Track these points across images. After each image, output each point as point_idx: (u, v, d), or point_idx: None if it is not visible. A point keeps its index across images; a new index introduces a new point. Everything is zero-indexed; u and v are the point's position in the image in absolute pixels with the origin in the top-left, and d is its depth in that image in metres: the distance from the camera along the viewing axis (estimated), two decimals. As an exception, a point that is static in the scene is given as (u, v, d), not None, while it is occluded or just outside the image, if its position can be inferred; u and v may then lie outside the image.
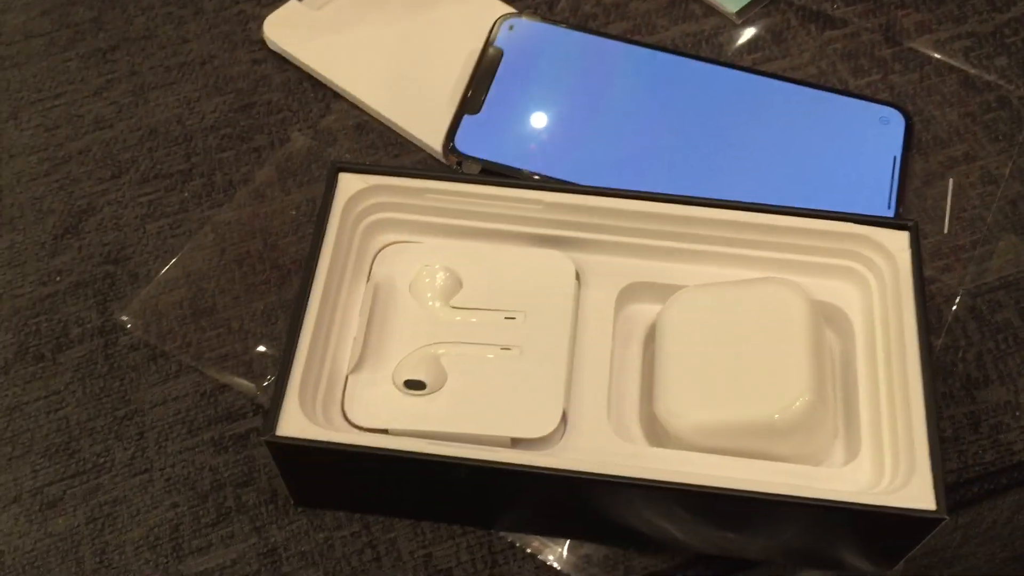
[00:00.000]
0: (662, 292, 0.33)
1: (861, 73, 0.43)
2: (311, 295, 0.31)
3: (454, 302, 0.33)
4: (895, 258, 0.32)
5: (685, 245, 0.34)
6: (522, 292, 0.33)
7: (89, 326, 0.37)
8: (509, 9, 0.44)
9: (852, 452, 0.31)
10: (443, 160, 0.39)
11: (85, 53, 0.44)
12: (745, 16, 0.45)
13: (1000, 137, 0.41)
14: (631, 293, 0.34)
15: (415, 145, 0.40)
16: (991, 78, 0.43)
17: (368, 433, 0.30)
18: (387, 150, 0.40)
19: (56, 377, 0.36)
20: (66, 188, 0.40)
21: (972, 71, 0.43)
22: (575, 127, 0.40)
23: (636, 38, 0.44)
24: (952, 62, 0.43)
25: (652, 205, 0.33)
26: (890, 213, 0.38)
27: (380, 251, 0.34)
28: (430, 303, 0.33)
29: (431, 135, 0.40)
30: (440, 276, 0.33)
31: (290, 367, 0.29)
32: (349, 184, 0.33)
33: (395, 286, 0.33)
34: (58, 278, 0.38)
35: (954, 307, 0.37)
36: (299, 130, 0.41)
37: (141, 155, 0.41)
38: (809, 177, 0.39)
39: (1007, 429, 0.35)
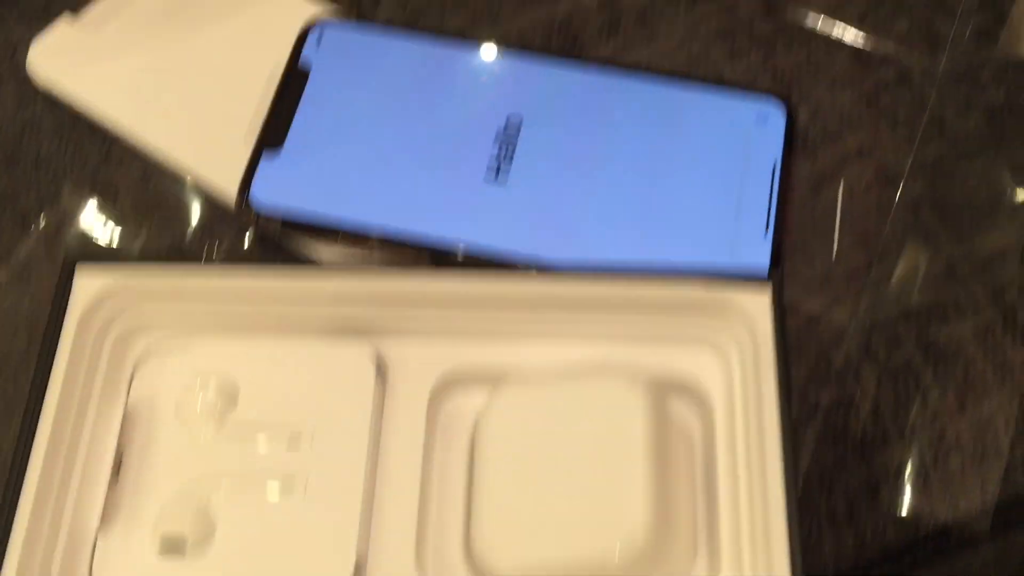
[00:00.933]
0: (488, 381, 0.28)
1: (739, 55, 0.37)
2: (38, 434, 0.25)
3: (227, 423, 0.27)
4: (754, 323, 0.26)
5: (510, 325, 0.28)
6: (311, 402, 0.27)
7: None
8: (319, 11, 0.37)
9: (714, 570, 0.26)
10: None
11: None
12: None
13: (899, 123, 0.35)
14: (450, 385, 0.28)
15: (212, 197, 0.34)
16: (888, 49, 0.36)
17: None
18: (175, 210, 0.34)
19: None
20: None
21: (865, 43, 0.36)
22: (401, 158, 0.33)
23: (475, 34, 0.37)
24: (842, 36, 0.37)
25: (469, 284, 0.27)
26: (767, 240, 0.32)
27: (140, 362, 0.28)
28: (198, 428, 0.27)
29: (229, 180, 0.34)
30: (210, 392, 0.27)
31: (7, 533, 0.24)
32: (90, 282, 0.27)
33: (158, 407, 0.27)
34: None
35: (844, 350, 0.31)
36: (71, 187, 0.34)
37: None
38: (671, 202, 0.33)
39: (911, 497, 0.30)
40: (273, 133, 0.33)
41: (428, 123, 0.34)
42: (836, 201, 0.34)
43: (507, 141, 0.33)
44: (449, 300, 0.27)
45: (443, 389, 0.28)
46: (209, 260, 0.29)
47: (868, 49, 0.36)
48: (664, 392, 0.27)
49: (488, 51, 0.35)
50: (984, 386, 0.31)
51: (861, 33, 0.37)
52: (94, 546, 0.26)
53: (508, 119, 0.34)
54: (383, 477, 0.26)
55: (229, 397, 0.27)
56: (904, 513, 0.29)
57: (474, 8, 0.38)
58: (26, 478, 0.25)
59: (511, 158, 0.33)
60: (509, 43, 0.36)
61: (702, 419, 0.28)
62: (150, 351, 0.28)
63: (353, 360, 0.27)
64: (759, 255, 0.32)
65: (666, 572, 0.25)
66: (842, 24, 0.37)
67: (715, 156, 0.33)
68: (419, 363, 0.28)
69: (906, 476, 0.30)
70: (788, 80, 0.36)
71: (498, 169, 0.33)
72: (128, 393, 0.27)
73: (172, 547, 0.25)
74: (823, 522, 0.29)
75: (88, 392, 0.27)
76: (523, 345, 0.28)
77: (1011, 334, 0.31)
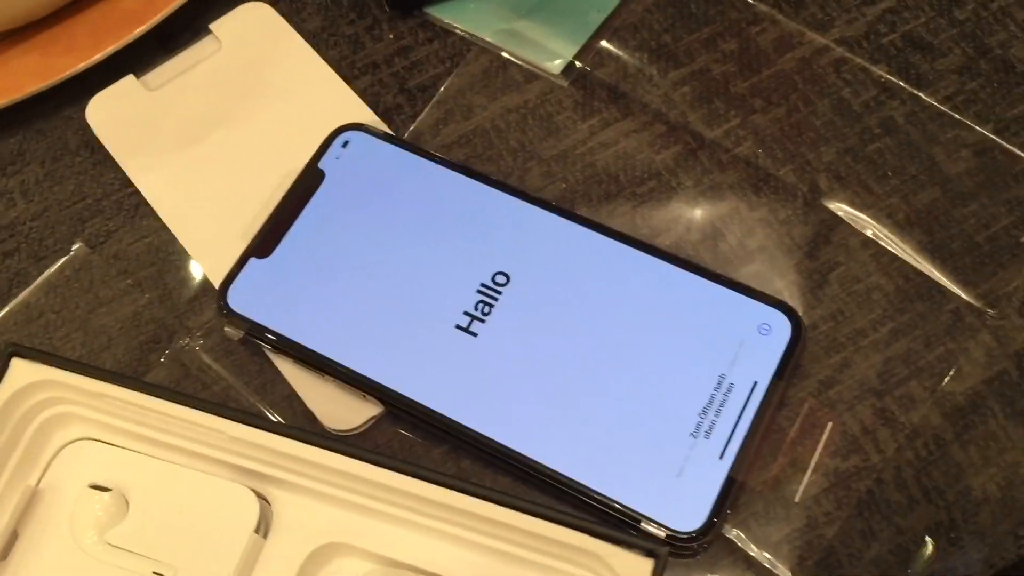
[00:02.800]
0: (369, 560, 0.27)
1: (716, 121, 0.35)
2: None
3: (111, 536, 0.28)
4: (628, 588, 0.24)
5: (398, 511, 0.27)
6: (189, 534, 0.27)
7: None
8: (367, 117, 0.37)
9: None
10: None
11: None
12: (572, 75, 0.36)
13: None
14: (329, 553, 0.28)
15: (206, 281, 0.35)
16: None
17: None
18: (176, 288, 0.35)
19: None
20: None
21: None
22: (376, 296, 0.33)
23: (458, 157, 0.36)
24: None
25: (354, 464, 0.27)
26: (724, 464, 0.30)
27: (63, 449, 0.29)
28: (84, 535, 0.28)
29: (217, 275, 0.34)
30: (104, 501, 0.28)
31: None
32: (23, 373, 0.28)
33: (61, 500, 0.28)
34: None
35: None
36: (85, 240, 0.36)
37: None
38: (636, 402, 0.31)
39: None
40: (265, 241, 0.34)
41: (416, 263, 0.33)
42: (818, 443, 0.31)
43: (487, 298, 0.32)
44: (341, 476, 0.27)
45: (317, 557, 0.27)
46: (139, 382, 0.30)
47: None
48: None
49: (499, 195, 0.34)
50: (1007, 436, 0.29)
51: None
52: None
53: (494, 276, 0.33)
54: (230, 634, 0.27)
55: (119, 510, 0.28)
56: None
57: (447, 103, 0.37)
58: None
59: (486, 317, 0.32)
60: (527, 187, 0.35)
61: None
62: (69, 443, 0.29)
63: (238, 503, 0.27)
64: (709, 483, 0.30)
65: None
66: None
67: (699, 357, 0.31)
68: (302, 524, 0.28)
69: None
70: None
71: (468, 327, 0.32)
72: (40, 479, 0.29)
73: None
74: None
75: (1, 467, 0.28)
76: (402, 529, 0.27)
77: None
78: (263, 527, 0.28)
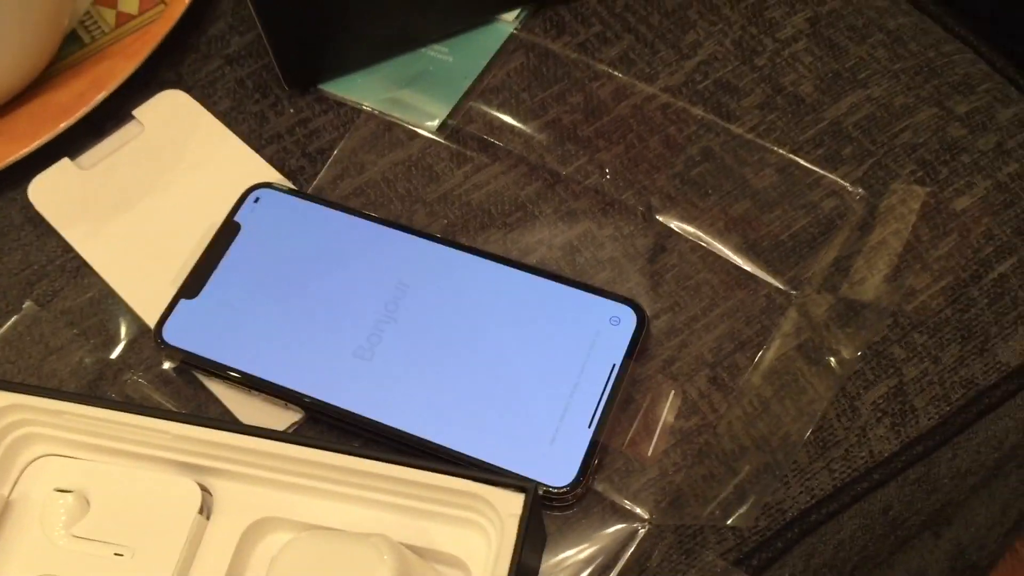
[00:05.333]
0: (295, 529, 0.33)
1: (569, 159, 0.42)
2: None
3: (76, 529, 0.33)
4: (503, 521, 0.30)
5: (318, 484, 0.33)
6: (142, 522, 0.33)
7: None
8: (274, 177, 0.43)
9: None
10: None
11: None
12: (447, 131, 0.44)
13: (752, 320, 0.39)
14: (263, 527, 0.33)
15: (143, 324, 0.41)
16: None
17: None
18: (117, 333, 0.40)
19: None
20: None
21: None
22: (298, 320, 0.39)
23: (358, 204, 0.43)
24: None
25: (279, 446, 0.32)
26: (588, 431, 0.36)
27: (30, 464, 0.34)
28: (53, 531, 0.33)
29: (152, 317, 0.40)
30: (68, 501, 0.33)
31: None
32: (-5, 400, 0.34)
33: (30, 505, 0.33)
34: None
35: (638, 544, 0.35)
36: (34, 299, 0.42)
37: None
38: (512, 384, 0.37)
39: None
40: (192, 284, 0.40)
41: (324, 292, 0.39)
42: (664, 407, 0.37)
43: (388, 316, 0.39)
44: (269, 458, 0.32)
45: (252, 531, 0.33)
46: (98, 397, 0.35)
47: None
48: (424, 555, 0.31)
49: (392, 232, 0.41)
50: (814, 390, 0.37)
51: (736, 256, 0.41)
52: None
53: (393, 295, 0.39)
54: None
55: (81, 508, 0.33)
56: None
57: (342, 163, 0.43)
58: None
59: (384, 332, 0.38)
60: (413, 225, 0.42)
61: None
62: (35, 459, 0.34)
63: (183, 492, 0.33)
64: (577, 447, 0.36)
65: None
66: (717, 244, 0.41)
67: (564, 347, 0.38)
68: (238, 505, 0.33)
69: None
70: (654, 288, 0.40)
71: (370, 340, 0.38)
72: (11, 491, 0.34)
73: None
74: None
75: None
76: (329, 502, 0.33)
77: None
78: (205, 511, 0.33)
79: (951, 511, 0.45)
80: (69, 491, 0.33)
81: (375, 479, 0.32)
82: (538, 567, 0.34)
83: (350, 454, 0.32)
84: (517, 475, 0.31)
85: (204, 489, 0.33)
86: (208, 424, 0.33)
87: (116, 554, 0.32)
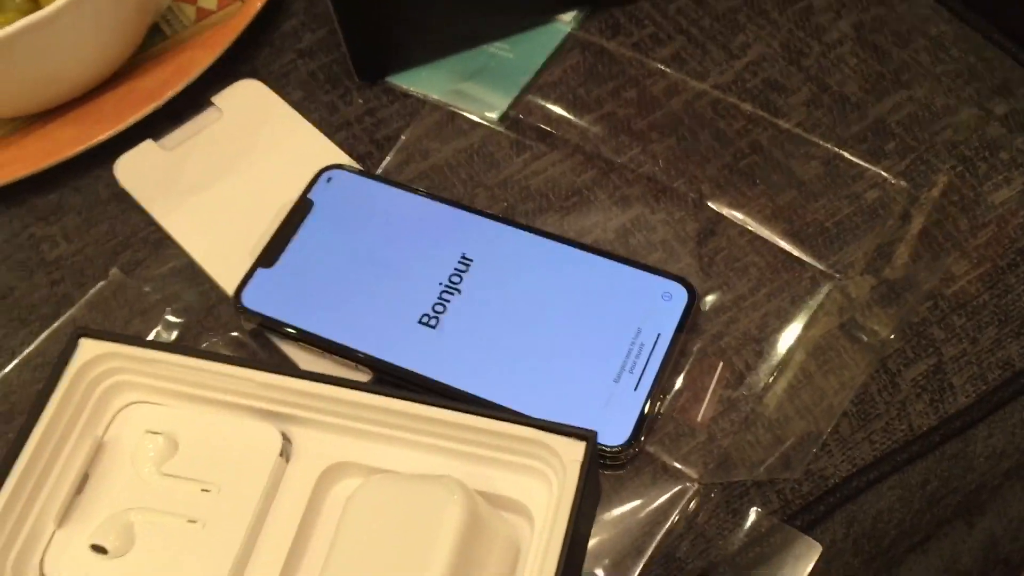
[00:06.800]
0: (367, 473, 0.35)
1: (623, 150, 0.44)
2: (27, 443, 0.34)
3: (165, 468, 0.35)
4: (566, 467, 0.33)
5: (391, 431, 0.35)
6: (227, 463, 0.35)
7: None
8: (344, 160, 0.46)
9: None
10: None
11: None
12: (507, 122, 0.46)
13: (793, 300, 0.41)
14: (337, 471, 0.35)
15: (221, 291, 0.43)
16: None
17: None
18: (197, 300, 0.43)
19: None
20: None
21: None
22: (366, 289, 0.41)
23: (425, 186, 0.45)
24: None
25: (355, 394, 0.35)
26: (640, 396, 0.38)
27: (122, 409, 0.37)
28: (144, 468, 0.35)
29: (231, 285, 0.43)
30: (158, 442, 0.35)
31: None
32: (89, 349, 0.36)
33: (122, 445, 0.36)
34: None
35: (686, 502, 0.37)
36: (120, 267, 0.44)
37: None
38: (569, 350, 0.39)
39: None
40: (269, 254, 0.42)
41: (391, 264, 0.42)
42: (713, 377, 0.40)
43: (451, 287, 0.41)
44: (345, 405, 0.35)
45: (327, 474, 0.35)
46: (188, 345, 0.38)
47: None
48: (490, 501, 0.33)
49: (456, 211, 0.43)
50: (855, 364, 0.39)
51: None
52: (49, 541, 0.34)
53: (456, 268, 0.42)
54: (265, 531, 0.34)
55: (170, 449, 0.35)
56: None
57: (407, 149, 0.46)
58: (6, 480, 0.33)
59: (448, 302, 0.41)
60: (476, 206, 0.44)
61: (526, 528, 0.34)
62: (126, 406, 0.37)
63: (265, 437, 0.35)
64: (630, 410, 0.38)
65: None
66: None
67: (618, 319, 0.40)
68: (315, 450, 0.35)
69: None
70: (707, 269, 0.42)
71: (435, 309, 0.41)
72: (104, 433, 0.36)
73: (99, 551, 0.33)
74: None
75: (71, 426, 0.35)
76: (401, 449, 0.35)
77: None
78: (285, 455, 0.35)
79: (985, 497, 0.46)
80: (159, 433, 0.36)
81: (444, 426, 0.34)
82: (593, 519, 0.36)
83: (421, 403, 0.34)
84: (578, 426, 0.34)
85: (284, 434, 0.36)
86: (289, 373, 0.35)
87: (203, 490, 0.35)
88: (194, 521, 0.34)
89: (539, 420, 0.33)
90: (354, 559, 0.32)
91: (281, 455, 0.35)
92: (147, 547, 0.34)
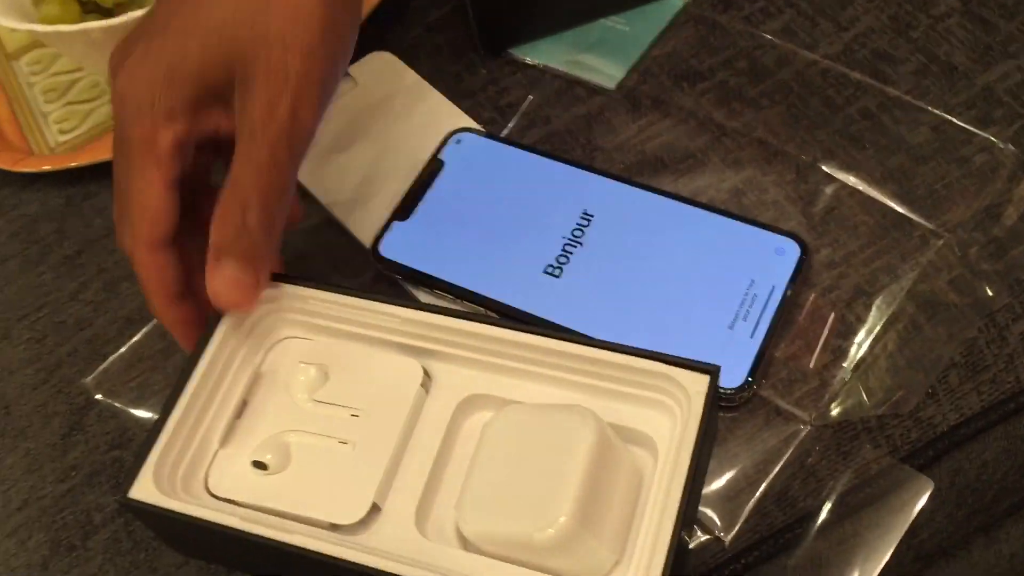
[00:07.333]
0: (501, 405, 0.38)
1: (735, 116, 0.46)
2: (194, 374, 0.38)
3: (317, 395, 0.39)
4: (691, 399, 0.35)
5: (523, 366, 0.38)
6: (373, 392, 0.38)
7: (108, 510, 0.42)
8: (471, 124, 0.49)
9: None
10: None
11: (55, 263, 0.49)
12: (624, 90, 0.48)
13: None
14: (473, 403, 0.38)
15: (358, 243, 0.47)
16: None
17: (212, 503, 0.37)
18: (337, 250, 0.46)
19: (89, 562, 0.41)
20: (63, 390, 0.45)
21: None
22: (494, 241, 0.44)
23: (551, 146, 0.48)
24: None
25: (492, 329, 0.37)
26: (755, 343, 0.40)
27: (276, 343, 0.40)
28: (297, 395, 0.39)
29: (369, 237, 0.46)
30: (311, 372, 0.39)
31: (157, 436, 0.36)
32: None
33: (277, 375, 0.39)
34: (73, 473, 0.43)
35: (798, 444, 0.39)
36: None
37: (122, 342, 0.46)
38: (688, 300, 0.42)
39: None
40: (404, 208, 0.46)
41: (516, 218, 0.45)
42: (824, 326, 0.41)
43: (574, 240, 0.44)
44: (481, 339, 0.38)
45: (464, 405, 0.38)
46: (338, 284, 0.41)
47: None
48: (616, 432, 0.36)
49: (577, 171, 0.46)
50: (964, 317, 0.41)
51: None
52: (212, 458, 0.38)
53: (578, 223, 0.44)
54: (409, 454, 0.37)
55: (322, 378, 0.39)
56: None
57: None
58: (176, 405, 0.37)
59: (571, 254, 0.43)
60: (596, 167, 0.47)
61: (651, 465, 0.36)
62: (280, 340, 0.40)
63: (407, 369, 0.38)
64: (745, 355, 0.40)
65: (582, 562, 0.34)
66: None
67: (733, 271, 0.42)
68: (453, 383, 0.38)
69: None
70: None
71: (558, 260, 0.43)
72: (261, 364, 0.40)
73: (259, 467, 0.37)
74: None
75: (232, 358, 0.39)
76: (532, 383, 0.38)
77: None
78: (426, 387, 0.38)
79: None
80: (311, 364, 0.39)
81: (573, 360, 0.37)
82: (710, 455, 0.39)
83: (553, 337, 0.37)
84: (701, 360, 0.36)
85: (424, 369, 0.39)
86: (431, 309, 0.38)
87: (352, 415, 0.38)
88: (345, 442, 0.37)
89: (664, 354, 0.36)
90: (492, 481, 0.35)
91: (422, 386, 0.38)
92: (302, 465, 0.37)
